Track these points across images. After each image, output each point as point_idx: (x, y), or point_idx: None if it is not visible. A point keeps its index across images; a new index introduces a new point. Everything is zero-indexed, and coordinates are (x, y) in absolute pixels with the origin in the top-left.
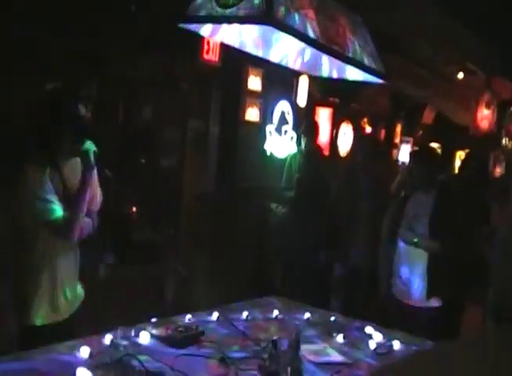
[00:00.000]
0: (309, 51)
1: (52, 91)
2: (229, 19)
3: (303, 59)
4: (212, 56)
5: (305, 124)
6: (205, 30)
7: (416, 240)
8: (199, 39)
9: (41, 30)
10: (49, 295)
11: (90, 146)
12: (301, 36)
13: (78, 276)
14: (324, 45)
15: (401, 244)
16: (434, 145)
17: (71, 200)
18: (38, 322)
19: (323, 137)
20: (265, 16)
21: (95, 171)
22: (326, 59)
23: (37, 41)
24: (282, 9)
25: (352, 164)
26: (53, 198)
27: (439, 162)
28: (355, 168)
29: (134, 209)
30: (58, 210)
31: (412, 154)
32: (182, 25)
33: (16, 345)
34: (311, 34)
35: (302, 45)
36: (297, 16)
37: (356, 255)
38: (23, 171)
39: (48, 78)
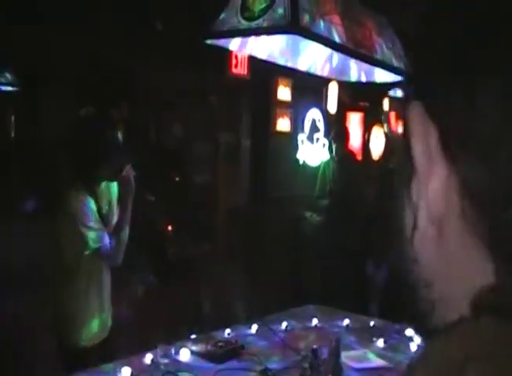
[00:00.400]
0: (337, 56)
1: (88, 115)
2: (255, 32)
3: (331, 65)
4: (241, 69)
5: (335, 130)
6: (233, 44)
7: None
8: (227, 54)
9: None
10: (98, 315)
11: (130, 170)
12: (328, 42)
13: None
14: (352, 49)
15: None
16: None
17: (115, 227)
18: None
19: (355, 142)
20: (291, 26)
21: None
22: (353, 64)
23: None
24: (307, 17)
25: (385, 166)
26: (98, 225)
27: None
28: (388, 170)
29: (170, 227)
30: (104, 237)
31: None
32: (209, 41)
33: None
34: (337, 39)
35: (329, 51)
36: (322, 23)
37: (394, 259)
38: (64, 197)
39: (83, 101)
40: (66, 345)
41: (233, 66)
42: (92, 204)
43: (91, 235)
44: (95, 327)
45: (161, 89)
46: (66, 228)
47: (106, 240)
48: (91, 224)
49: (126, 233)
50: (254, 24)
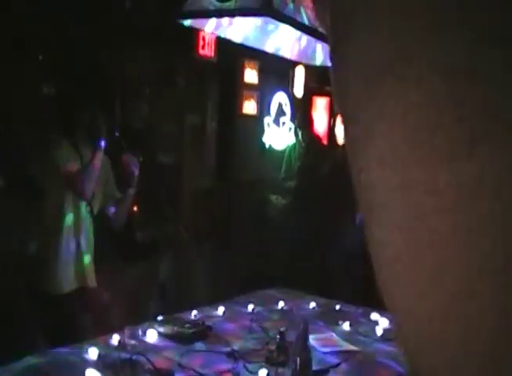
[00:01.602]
0: (304, 39)
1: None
2: (227, 13)
3: (299, 47)
4: (208, 50)
5: (301, 114)
6: (209, 26)
7: None
8: (194, 35)
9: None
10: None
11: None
12: (299, 25)
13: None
14: (322, 33)
15: None
16: None
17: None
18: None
19: (321, 126)
20: (262, 7)
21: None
22: (320, 47)
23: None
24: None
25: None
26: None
27: None
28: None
29: (135, 208)
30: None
31: None
32: (184, 22)
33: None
34: (307, 21)
35: (298, 34)
36: (292, 5)
37: (353, 242)
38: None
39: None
40: (39, 290)
41: (200, 47)
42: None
43: (62, 155)
44: (70, 273)
45: (127, 69)
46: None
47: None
48: (61, 151)
49: (95, 166)
50: (225, 5)
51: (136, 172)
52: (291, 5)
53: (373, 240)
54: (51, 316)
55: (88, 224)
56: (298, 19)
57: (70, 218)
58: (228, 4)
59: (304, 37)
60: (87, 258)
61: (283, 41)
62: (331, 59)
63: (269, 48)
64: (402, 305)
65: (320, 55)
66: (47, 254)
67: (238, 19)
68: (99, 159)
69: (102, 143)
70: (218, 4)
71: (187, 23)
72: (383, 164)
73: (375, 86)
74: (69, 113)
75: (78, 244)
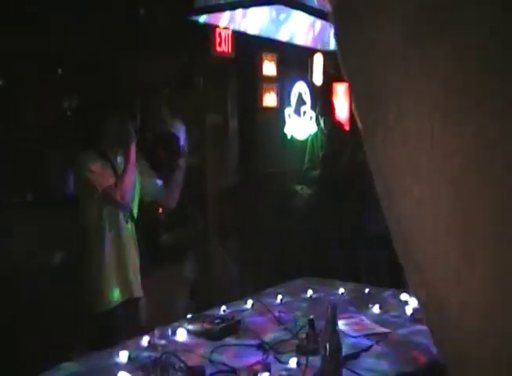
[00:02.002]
0: (318, 25)
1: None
2: (238, 5)
3: (313, 33)
4: (225, 47)
5: (321, 102)
6: (223, 21)
7: None
8: (211, 32)
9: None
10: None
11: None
12: (311, 10)
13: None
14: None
15: None
16: None
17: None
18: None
19: (342, 113)
20: None
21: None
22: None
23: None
24: None
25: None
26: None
27: None
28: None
29: (160, 211)
30: (111, 179)
31: None
32: (199, 19)
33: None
34: (318, 5)
35: (311, 20)
36: None
37: (374, 226)
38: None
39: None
40: (87, 310)
41: (217, 44)
42: (94, 155)
43: (94, 176)
44: (114, 291)
45: (145, 72)
46: (80, 180)
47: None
48: (93, 168)
49: (130, 174)
50: None
51: (182, 139)
52: None
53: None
54: (95, 331)
55: (129, 233)
56: (310, 3)
57: (108, 230)
58: None
59: (318, 23)
60: (131, 269)
61: (297, 28)
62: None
63: (284, 36)
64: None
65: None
66: (89, 268)
67: (251, 11)
68: (133, 165)
69: (133, 148)
70: None
71: (202, 19)
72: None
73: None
74: (94, 123)
75: (121, 256)
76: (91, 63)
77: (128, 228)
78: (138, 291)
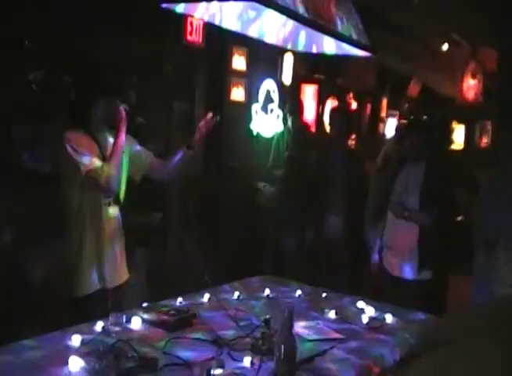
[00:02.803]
0: (290, 25)
1: None
2: None
3: (284, 33)
4: (196, 37)
5: (290, 102)
6: (198, 12)
7: (406, 213)
8: (182, 21)
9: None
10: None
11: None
12: (285, 11)
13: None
14: (309, 19)
15: (389, 217)
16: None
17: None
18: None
19: (309, 114)
20: None
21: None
22: (304, 34)
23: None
24: None
25: (328, 139)
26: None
27: (433, 134)
28: (330, 142)
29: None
30: (97, 162)
31: (406, 125)
32: (176, 9)
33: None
34: (294, 8)
35: (283, 19)
36: None
37: (334, 229)
38: (65, 135)
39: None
40: (63, 294)
41: (188, 33)
42: (82, 137)
43: (83, 160)
44: (89, 276)
45: (116, 58)
46: (63, 159)
47: (99, 163)
48: (81, 149)
49: (118, 159)
50: None
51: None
52: None
53: None
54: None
55: (110, 217)
56: (284, 4)
57: (89, 214)
58: None
59: (290, 23)
60: (108, 256)
61: (268, 26)
62: None
63: (254, 33)
64: None
65: (304, 41)
66: (71, 255)
67: (225, 5)
68: (121, 148)
69: (123, 131)
70: None
71: (179, 9)
72: None
73: None
74: (82, 102)
75: (99, 242)
76: (66, 41)
77: (110, 212)
78: (114, 281)
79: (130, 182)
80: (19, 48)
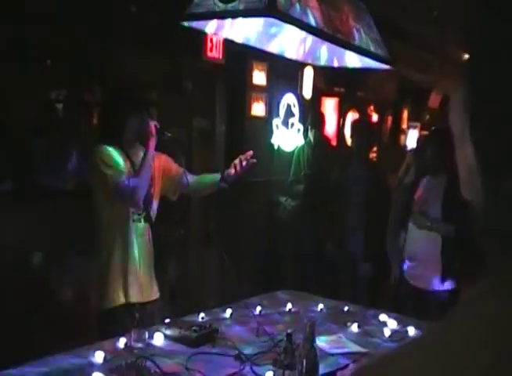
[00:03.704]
0: (310, 40)
1: None
2: (231, 14)
3: (304, 48)
4: (216, 53)
5: (311, 115)
6: (210, 27)
7: (429, 223)
8: (202, 37)
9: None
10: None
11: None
12: (305, 26)
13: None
14: (328, 33)
15: (411, 229)
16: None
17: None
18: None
19: (330, 127)
20: (268, 9)
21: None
22: (325, 48)
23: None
24: (283, 0)
25: (350, 151)
26: (121, 167)
27: (452, 144)
28: (351, 154)
29: None
30: (125, 176)
31: (427, 137)
32: (185, 23)
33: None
34: (314, 23)
35: (303, 34)
36: (299, 6)
37: (354, 243)
38: (94, 150)
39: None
40: (94, 307)
41: (208, 49)
42: (113, 151)
43: (112, 172)
44: (117, 290)
45: (136, 75)
46: (94, 173)
47: (124, 177)
48: (111, 163)
49: (146, 175)
50: (230, 7)
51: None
52: (297, 6)
53: None
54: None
55: (140, 234)
56: (304, 20)
57: (118, 229)
58: (232, 5)
59: (310, 38)
60: (136, 273)
61: (288, 42)
62: None
63: (274, 49)
64: None
65: (325, 56)
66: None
67: (240, 21)
68: (150, 163)
69: (153, 146)
70: (223, 5)
71: (186, 24)
72: None
73: None
74: (114, 117)
75: (126, 258)
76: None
77: (140, 228)
78: (141, 297)
79: (164, 199)
80: (39, 63)
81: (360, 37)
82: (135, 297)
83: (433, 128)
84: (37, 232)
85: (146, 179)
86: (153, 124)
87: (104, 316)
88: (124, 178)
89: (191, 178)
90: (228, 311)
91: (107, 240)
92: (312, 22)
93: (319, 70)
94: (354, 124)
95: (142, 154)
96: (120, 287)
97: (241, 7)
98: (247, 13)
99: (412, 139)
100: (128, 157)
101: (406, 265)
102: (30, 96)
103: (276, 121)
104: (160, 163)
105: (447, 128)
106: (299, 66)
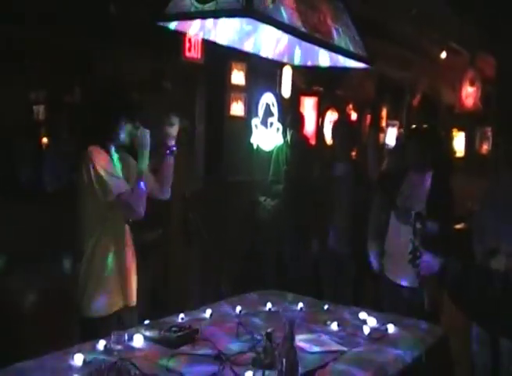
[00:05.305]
0: (284, 40)
1: None
2: (209, 15)
3: (278, 48)
4: (194, 53)
5: (290, 115)
6: (193, 28)
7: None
8: (181, 37)
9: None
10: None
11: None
12: (283, 26)
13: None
14: (306, 33)
15: (392, 225)
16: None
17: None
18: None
19: (309, 127)
20: (245, 9)
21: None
22: (298, 48)
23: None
24: (260, 1)
25: (331, 151)
26: (115, 172)
27: (436, 141)
28: (333, 154)
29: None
30: (127, 185)
31: (409, 133)
32: (162, 24)
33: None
34: (291, 23)
35: (278, 34)
36: (276, 7)
37: (339, 242)
38: (89, 151)
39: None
40: (79, 314)
41: (187, 50)
42: (110, 157)
43: (115, 182)
44: (97, 292)
45: (114, 74)
46: (91, 176)
47: (127, 186)
48: (113, 171)
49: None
50: (207, 7)
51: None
52: (275, 6)
53: None
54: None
55: (128, 237)
56: (282, 20)
57: (111, 234)
58: (209, 5)
59: (285, 37)
60: (130, 275)
61: (264, 41)
62: None
63: (250, 48)
64: None
65: (299, 55)
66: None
67: (220, 21)
68: (147, 172)
69: (147, 154)
70: (200, 6)
71: (172, 26)
72: None
73: None
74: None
75: (121, 261)
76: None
77: (127, 231)
78: (121, 299)
79: None
80: (21, 64)
81: (338, 36)
82: (115, 299)
83: (412, 126)
84: (14, 233)
85: (146, 189)
86: (147, 132)
87: (85, 319)
88: (128, 188)
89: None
90: (208, 311)
91: (87, 242)
92: (290, 22)
93: (297, 70)
94: (335, 125)
95: (129, 159)
96: (100, 289)
97: (218, 7)
98: (225, 14)
99: (391, 137)
100: (125, 164)
101: (386, 261)
102: (12, 97)
103: (255, 121)
104: (129, 161)
105: (430, 125)
106: (277, 65)
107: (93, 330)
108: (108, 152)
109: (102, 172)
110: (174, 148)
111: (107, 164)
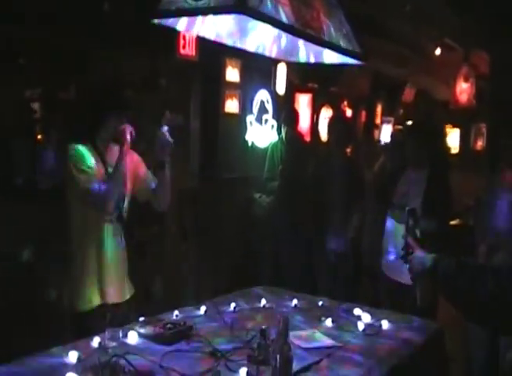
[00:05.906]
0: (285, 37)
1: None
2: (202, 11)
3: (279, 45)
4: (189, 50)
5: (285, 111)
6: (181, 24)
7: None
8: (175, 34)
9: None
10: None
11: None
12: (276, 22)
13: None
14: (299, 29)
15: (389, 223)
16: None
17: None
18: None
19: (304, 123)
20: (238, 6)
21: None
22: (302, 45)
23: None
24: None
25: (326, 147)
26: (93, 171)
27: (434, 137)
28: (328, 151)
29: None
30: (97, 181)
31: (407, 130)
32: (155, 21)
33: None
34: (285, 19)
35: (277, 31)
36: (269, 3)
37: (334, 238)
38: (69, 148)
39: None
40: (67, 308)
41: (181, 47)
42: (86, 152)
43: (82, 177)
44: (91, 291)
45: (110, 72)
46: (67, 174)
47: (95, 183)
48: (83, 167)
49: (118, 181)
50: (200, 4)
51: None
52: (268, 2)
53: None
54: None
55: (112, 234)
56: (275, 16)
57: (91, 230)
58: (202, 2)
59: (284, 36)
60: (110, 273)
61: (263, 39)
62: None
63: (249, 46)
64: None
65: (303, 52)
66: (73, 269)
67: (213, 18)
68: (123, 166)
69: (127, 148)
70: (193, 2)
71: (157, 21)
72: None
73: None
74: (90, 117)
75: (101, 258)
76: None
77: (112, 228)
78: (116, 296)
79: (134, 201)
80: (16, 63)
81: (330, 33)
82: (109, 297)
83: (408, 122)
84: (10, 230)
85: (117, 186)
86: (128, 129)
87: (79, 317)
88: (95, 184)
89: (154, 184)
90: (203, 308)
91: (80, 241)
92: (283, 18)
93: (292, 67)
94: (330, 121)
95: (132, 155)
96: (94, 288)
97: (212, 4)
98: (218, 10)
99: (386, 133)
100: (101, 157)
101: (384, 258)
102: (12, 97)
103: (250, 118)
104: (133, 161)
105: (427, 121)
106: (272, 62)
107: (75, 324)
108: (94, 148)
109: (72, 169)
110: (167, 163)
111: (82, 160)
